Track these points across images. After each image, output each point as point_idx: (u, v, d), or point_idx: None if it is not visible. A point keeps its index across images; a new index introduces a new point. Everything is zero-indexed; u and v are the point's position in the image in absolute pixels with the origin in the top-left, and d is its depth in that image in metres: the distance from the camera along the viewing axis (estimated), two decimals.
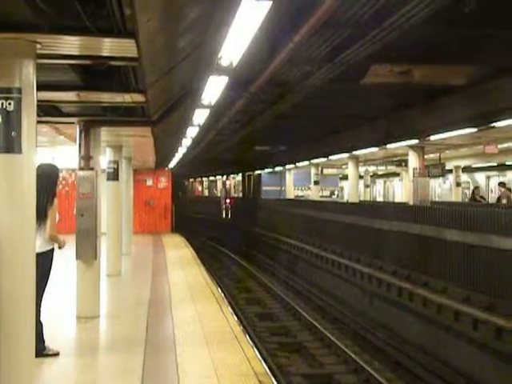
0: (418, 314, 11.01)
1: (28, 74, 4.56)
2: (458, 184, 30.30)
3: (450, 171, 29.68)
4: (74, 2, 4.01)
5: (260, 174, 41.08)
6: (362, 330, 12.13)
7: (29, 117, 4.57)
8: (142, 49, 4.78)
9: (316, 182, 31.48)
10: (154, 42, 5.44)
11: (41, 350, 6.29)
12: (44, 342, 6.67)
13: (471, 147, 22.83)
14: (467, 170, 31.14)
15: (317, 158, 26.17)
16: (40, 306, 6.59)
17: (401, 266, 12.18)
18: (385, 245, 13.41)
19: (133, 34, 4.45)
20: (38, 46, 4.57)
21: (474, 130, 14.51)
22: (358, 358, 10.07)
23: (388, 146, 18.82)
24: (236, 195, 48.40)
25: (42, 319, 6.67)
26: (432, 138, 16.39)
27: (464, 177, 31.57)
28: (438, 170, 21.31)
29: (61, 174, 20.66)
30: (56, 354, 6.79)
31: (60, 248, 6.89)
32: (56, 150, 16.47)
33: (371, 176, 39.43)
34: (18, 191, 4.60)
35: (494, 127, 13.94)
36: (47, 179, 6.64)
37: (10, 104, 4.45)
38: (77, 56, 5.11)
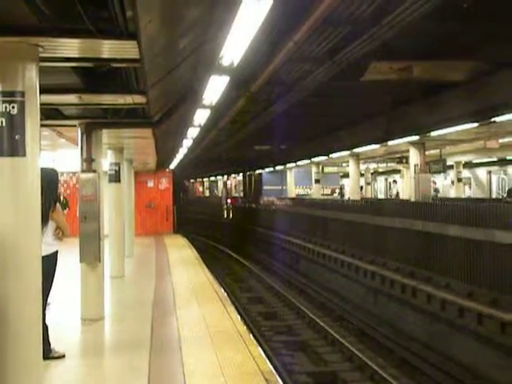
0: (421, 310, 11.03)
1: (31, 77, 4.56)
2: (460, 180, 30.32)
3: (451, 167, 29.70)
4: (76, 4, 4.02)
5: (261, 174, 41.11)
6: (366, 328, 12.14)
7: (32, 120, 4.58)
8: (143, 50, 4.79)
9: (317, 181, 31.50)
10: (156, 42, 5.45)
11: (47, 353, 6.29)
12: (50, 344, 6.68)
13: (472, 142, 22.85)
14: (468, 165, 31.13)
15: (317, 156, 26.18)
16: (45, 309, 6.60)
17: (404, 263, 12.21)
18: (388, 241, 13.44)
19: (134, 36, 4.45)
20: (41, 49, 4.57)
21: (475, 125, 14.53)
22: (363, 355, 10.09)
23: (389, 142, 18.84)
24: (237, 195, 48.42)
25: (47, 322, 6.67)
26: (433, 133, 16.41)
27: (465, 172, 31.58)
28: (439, 166, 21.32)
29: (62, 177, 20.67)
30: (62, 357, 6.80)
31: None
32: (56, 153, 16.49)
33: (372, 173, 39.46)
34: (23, 194, 4.60)
35: (494, 122, 13.95)
36: (47, 183, 6.61)
37: (13, 107, 4.45)
38: (79, 58, 5.11)
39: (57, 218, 6.82)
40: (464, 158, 29.27)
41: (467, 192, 32.86)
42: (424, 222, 11.68)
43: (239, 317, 9.29)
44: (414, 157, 20.45)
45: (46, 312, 6.71)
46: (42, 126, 4.99)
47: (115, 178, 12.94)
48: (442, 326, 10.31)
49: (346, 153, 23.84)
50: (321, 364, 10.37)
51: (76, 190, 17.53)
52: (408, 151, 21.81)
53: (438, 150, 24.01)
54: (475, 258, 9.84)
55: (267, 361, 6.88)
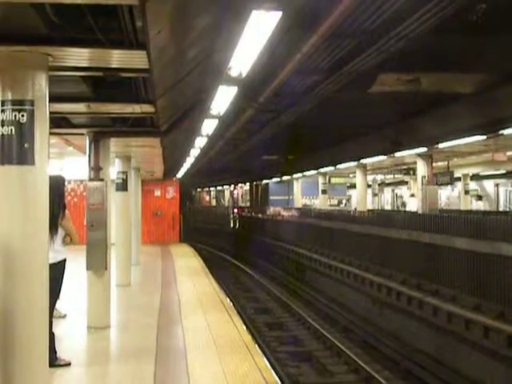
0: (428, 323, 10.99)
1: (40, 86, 4.60)
2: (467, 192, 30.23)
3: (459, 179, 29.62)
4: (87, 14, 4.06)
5: (267, 184, 41.11)
6: (371, 339, 12.10)
7: (41, 128, 4.62)
8: (152, 60, 4.82)
9: (324, 191, 31.45)
10: (165, 53, 5.48)
11: (53, 361, 6.30)
12: (56, 352, 6.69)
13: (479, 155, 22.82)
14: (476, 177, 31.04)
15: (325, 166, 26.18)
16: (52, 317, 6.61)
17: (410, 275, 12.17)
18: (394, 253, 13.41)
19: (144, 46, 4.48)
20: (50, 58, 4.62)
21: (483, 137, 14.52)
22: (368, 367, 10.04)
23: (396, 154, 18.82)
24: (243, 204, 48.42)
25: (53, 330, 6.68)
26: (440, 145, 16.39)
27: (472, 185, 31.49)
28: (446, 178, 21.27)
29: (69, 185, 20.72)
30: (68, 364, 6.81)
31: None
32: (64, 161, 16.57)
33: (379, 185, 39.41)
34: (31, 202, 4.63)
35: (502, 135, 13.94)
36: (54, 190, 6.61)
37: (22, 116, 4.49)
38: (88, 68, 5.15)
39: (66, 225, 6.86)
40: (471, 171, 29.21)
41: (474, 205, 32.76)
42: (431, 234, 11.66)
43: (245, 327, 9.28)
44: (422, 168, 20.43)
45: (62, 323, 6.72)
46: (50, 134, 5.02)
47: (122, 186, 12.97)
48: (448, 339, 10.26)
49: (353, 164, 23.83)
50: (326, 375, 10.32)
51: (83, 197, 17.60)
52: (415, 163, 21.81)
53: (446, 162, 23.99)
54: (482, 271, 9.80)
55: (272, 371, 6.87)
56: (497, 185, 31.81)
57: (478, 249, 9.93)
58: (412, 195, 31.09)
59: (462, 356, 9.87)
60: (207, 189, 62.27)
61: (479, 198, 31.82)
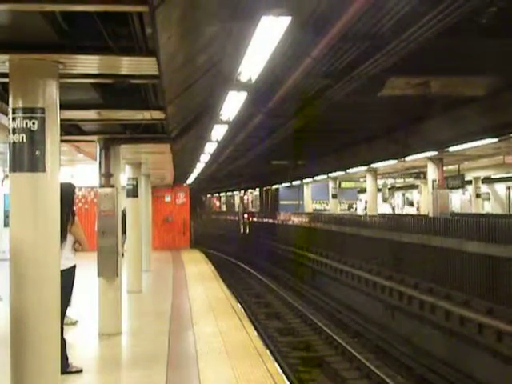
0: (440, 327, 10.93)
1: (51, 93, 4.61)
2: (478, 195, 30.08)
3: (470, 182, 29.47)
4: (96, 22, 4.07)
5: (277, 189, 41.08)
6: (383, 344, 12.04)
7: (52, 136, 4.63)
8: (162, 66, 4.82)
9: (334, 196, 31.39)
10: (174, 59, 5.49)
11: (64, 367, 6.30)
12: (67, 359, 6.69)
13: (491, 158, 22.70)
14: (487, 180, 30.87)
15: (335, 171, 26.12)
16: (63, 323, 6.61)
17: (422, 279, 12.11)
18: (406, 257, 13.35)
19: (154, 52, 4.49)
20: (61, 65, 4.63)
21: (494, 140, 14.44)
22: (381, 372, 9.99)
23: (406, 158, 18.75)
24: (254, 210, 48.40)
25: (65, 336, 6.68)
26: (451, 149, 16.32)
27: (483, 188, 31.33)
28: (457, 181, 21.16)
29: (80, 192, 20.75)
30: (79, 371, 6.80)
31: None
32: (75, 168, 16.61)
33: (389, 189, 39.26)
34: (42, 209, 4.64)
35: None
36: (63, 197, 6.61)
37: (33, 124, 4.51)
38: (98, 75, 5.16)
39: (76, 231, 6.87)
40: (483, 174, 29.06)
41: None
42: (442, 237, 11.60)
43: (256, 332, 9.25)
44: (432, 172, 20.35)
45: (74, 330, 6.71)
46: (61, 141, 5.03)
47: (133, 192, 12.98)
48: (461, 343, 10.20)
49: (363, 168, 23.76)
50: (339, 381, 10.28)
51: (94, 204, 17.65)
52: (426, 166, 21.73)
53: (457, 166, 23.87)
54: (494, 275, 9.73)
55: (284, 377, 6.84)
56: (508, 188, 31.62)
57: (490, 252, 9.87)
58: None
59: (474, 360, 9.80)
60: (217, 194, 62.32)
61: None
